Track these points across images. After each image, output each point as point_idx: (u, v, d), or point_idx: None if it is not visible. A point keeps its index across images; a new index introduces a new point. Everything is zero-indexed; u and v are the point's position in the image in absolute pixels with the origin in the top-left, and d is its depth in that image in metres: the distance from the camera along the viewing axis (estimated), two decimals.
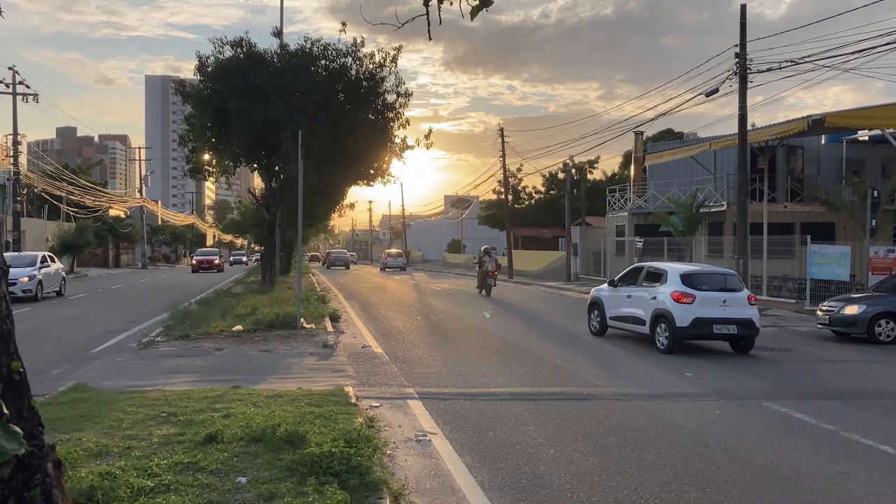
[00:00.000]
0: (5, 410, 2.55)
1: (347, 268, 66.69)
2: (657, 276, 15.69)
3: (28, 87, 43.96)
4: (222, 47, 24.14)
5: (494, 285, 30.18)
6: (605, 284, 17.81)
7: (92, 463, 5.88)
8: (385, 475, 6.05)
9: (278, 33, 25.62)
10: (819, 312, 17.56)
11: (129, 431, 7.04)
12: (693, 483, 6.38)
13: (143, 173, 79.83)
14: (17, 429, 2.56)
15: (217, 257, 60.24)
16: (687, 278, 14.99)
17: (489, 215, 68.55)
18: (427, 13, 3.72)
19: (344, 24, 23.36)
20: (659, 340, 14.85)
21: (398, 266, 61.16)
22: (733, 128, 23.91)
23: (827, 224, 29.30)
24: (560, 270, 43.79)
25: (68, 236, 49.71)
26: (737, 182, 24.13)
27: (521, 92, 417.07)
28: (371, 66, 23.95)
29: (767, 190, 28.90)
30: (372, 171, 25.94)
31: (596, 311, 17.46)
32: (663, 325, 14.75)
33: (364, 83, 23.88)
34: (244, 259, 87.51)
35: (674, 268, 15.83)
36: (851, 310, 16.55)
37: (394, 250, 69.35)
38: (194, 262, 59.56)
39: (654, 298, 15.15)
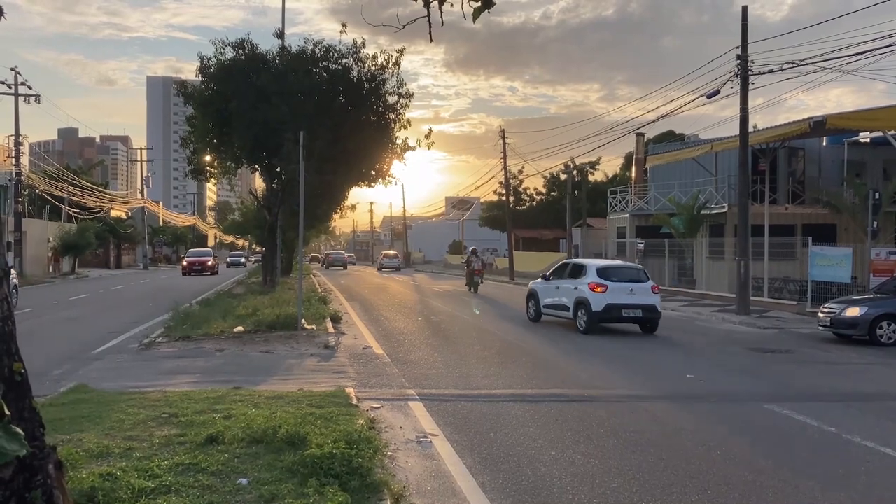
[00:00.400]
0: (7, 412, 2.55)
1: (345, 268, 70.12)
2: (579, 271, 18.51)
3: (30, 87, 44.00)
4: (224, 48, 24.17)
5: (481, 282, 33.55)
6: (540, 279, 20.71)
7: (93, 464, 5.88)
8: (386, 477, 6.05)
9: (280, 34, 25.65)
10: (820, 314, 17.54)
11: (130, 432, 7.04)
12: (694, 485, 6.37)
13: (145, 174, 79.91)
14: (19, 430, 2.56)
15: (210, 258, 53.91)
16: (602, 271, 18.03)
17: (490, 217, 68.60)
18: (428, 14, 3.71)
19: (344, 25, 23.39)
20: (579, 323, 17.76)
21: (394, 266, 64.75)
22: (734, 129, 23.88)
23: (828, 226, 29.25)
24: None
25: (70, 237, 49.80)
26: (738, 184, 24.09)
27: (522, 93, 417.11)
28: (373, 68, 23.97)
29: (769, 192, 28.87)
30: (373, 173, 25.97)
31: (532, 301, 20.42)
32: (582, 311, 17.65)
33: (365, 84, 23.90)
34: (242, 260, 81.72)
35: (592, 263, 19.07)
36: (853, 312, 16.53)
37: (391, 252, 75.51)
38: (185, 263, 53.39)
39: (576, 289, 18.04)
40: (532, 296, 20.40)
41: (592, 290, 17.47)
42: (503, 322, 20.24)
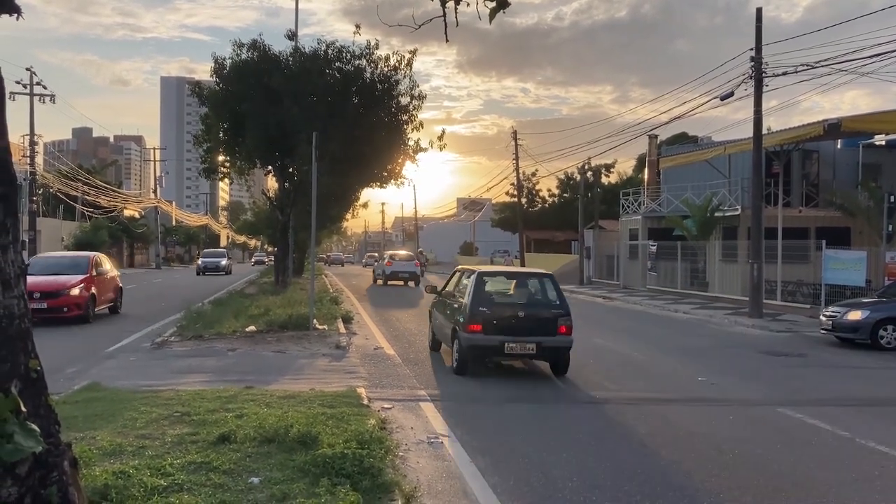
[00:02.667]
0: (23, 408, 2.57)
1: (342, 265, 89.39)
2: (384, 258, 42.14)
3: (45, 87, 44.43)
4: (240, 48, 24.21)
5: (422, 276, 43.39)
6: (375, 264, 46.58)
7: (106, 462, 5.91)
8: (397, 477, 6.05)
9: (293, 36, 25.69)
10: (822, 318, 17.37)
11: (142, 431, 7.07)
12: (707, 489, 6.34)
13: (158, 174, 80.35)
14: (35, 427, 2.59)
15: (75, 282, 18.78)
16: (391, 257, 40.71)
17: (502, 218, 68.48)
18: (444, 15, 3.71)
19: (358, 26, 23.39)
20: (379, 282, 39.77)
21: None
22: (748, 132, 23.71)
23: (842, 229, 29.04)
24: (573, 274, 43.69)
25: (83, 236, 50.11)
26: (751, 186, 23.94)
27: (534, 94, 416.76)
28: (386, 69, 23.98)
29: (782, 194, 28.70)
30: (385, 174, 26.00)
31: (373, 275, 43.17)
32: (381, 274, 40.01)
33: (378, 86, 23.92)
34: (223, 263, 53.82)
35: (388, 253, 44.85)
36: (854, 315, 16.39)
37: (374, 254, 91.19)
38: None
39: (383, 264, 40.71)
40: (374, 272, 43.20)
41: (387, 265, 39.77)
42: None
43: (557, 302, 11.62)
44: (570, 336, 11.35)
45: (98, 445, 6.38)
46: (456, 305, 12.05)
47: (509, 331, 11.08)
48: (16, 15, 3.29)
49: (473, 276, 11.76)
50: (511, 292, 12.37)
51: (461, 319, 11.38)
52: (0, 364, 2.62)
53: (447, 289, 13.67)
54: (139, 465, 5.73)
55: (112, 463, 5.86)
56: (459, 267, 14.66)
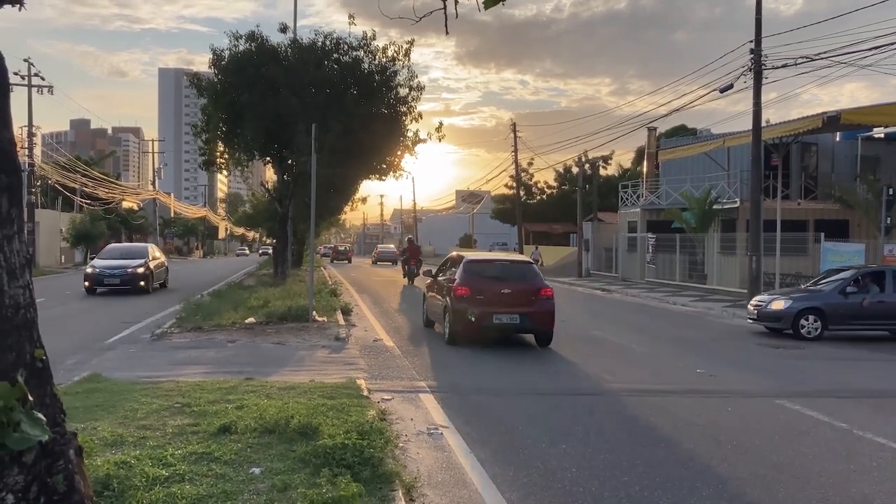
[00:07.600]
0: (29, 397, 2.59)
1: (349, 261, 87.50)
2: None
3: (42, 79, 44.21)
4: (238, 40, 24.13)
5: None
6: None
7: (107, 452, 5.93)
8: (397, 467, 6.08)
9: (285, 29, 25.55)
10: (750, 307, 17.65)
11: (143, 421, 7.10)
12: (705, 480, 6.37)
13: (156, 166, 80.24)
14: (41, 416, 2.60)
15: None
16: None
17: (501, 210, 68.45)
18: (444, 7, 3.70)
19: (352, 15, 23.37)
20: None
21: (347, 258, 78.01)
22: (747, 124, 23.74)
23: (841, 222, 29.09)
24: (572, 266, 43.74)
25: (83, 227, 50.02)
26: (750, 179, 23.94)
27: (533, 87, 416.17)
28: (384, 60, 23.93)
29: (781, 187, 28.71)
30: (384, 166, 25.96)
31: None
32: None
33: (377, 77, 23.86)
34: (129, 270, 25.41)
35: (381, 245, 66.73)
36: (777, 305, 16.67)
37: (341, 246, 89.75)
38: None
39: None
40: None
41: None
42: None
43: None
44: None
45: (99, 436, 6.40)
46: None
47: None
48: (18, 5, 3.29)
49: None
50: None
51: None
52: (6, 353, 2.64)
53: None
54: (140, 456, 5.75)
55: (113, 453, 5.88)
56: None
